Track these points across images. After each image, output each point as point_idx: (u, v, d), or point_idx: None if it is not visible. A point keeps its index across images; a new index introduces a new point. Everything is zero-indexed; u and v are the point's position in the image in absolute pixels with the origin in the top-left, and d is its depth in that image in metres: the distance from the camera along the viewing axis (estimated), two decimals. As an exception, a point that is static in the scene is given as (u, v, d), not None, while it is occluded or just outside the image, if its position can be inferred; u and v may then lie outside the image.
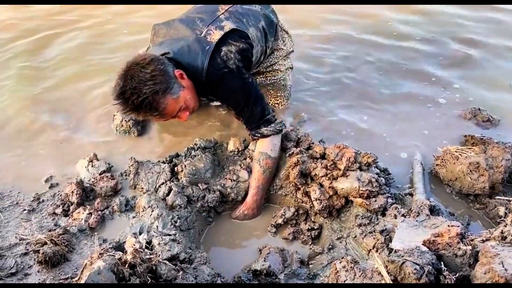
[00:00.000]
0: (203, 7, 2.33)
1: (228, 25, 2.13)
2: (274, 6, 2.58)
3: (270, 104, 2.65)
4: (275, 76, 2.67)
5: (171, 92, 1.93)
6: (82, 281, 1.33)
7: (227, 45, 2.08)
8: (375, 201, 1.88)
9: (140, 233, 1.81)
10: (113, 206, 2.07)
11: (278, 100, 2.72)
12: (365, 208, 1.89)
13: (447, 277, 1.28)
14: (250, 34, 2.21)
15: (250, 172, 2.16)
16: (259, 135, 2.18)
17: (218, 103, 2.74)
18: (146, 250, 1.58)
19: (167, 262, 1.52)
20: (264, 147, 2.15)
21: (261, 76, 2.66)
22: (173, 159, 2.26)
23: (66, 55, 3.65)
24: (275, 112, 2.31)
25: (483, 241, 1.45)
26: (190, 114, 2.14)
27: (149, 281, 1.42)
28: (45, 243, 1.77)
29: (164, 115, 1.99)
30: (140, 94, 1.84)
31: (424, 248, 1.42)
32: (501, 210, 1.89)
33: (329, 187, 1.97)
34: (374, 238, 1.73)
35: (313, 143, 2.20)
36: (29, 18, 4.36)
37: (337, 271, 1.44)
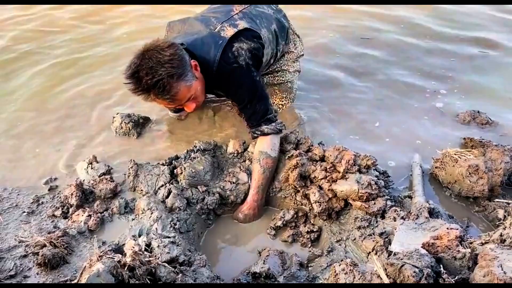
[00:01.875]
0: (218, 7, 2.38)
1: (242, 24, 2.18)
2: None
3: (274, 104, 2.67)
4: (283, 77, 2.69)
5: (185, 78, 1.94)
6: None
7: (239, 42, 2.12)
8: (374, 203, 1.88)
9: (140, 236, 1.81)
10: (112, 208, 2.06)
11: (283, 101, 2.73)
12: (364, 211, 1.89)
13: (446, 280, 1.28)
14: (262, 35, 2.25)
15: (249, 174, 2.17)
16: (259, 132, 2.19)
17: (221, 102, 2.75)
18: (145, 252, 1.58)
19: (167, 265, 1.52)
20: (264, 146, 2.15)
21: (269, 76, 2.68)
22: (173, 161, 2.26)
23: (64, 56, 3.66)
24: (277, 113, 2.32)
25: (482, 244, 1.45)
26: (196, 107, 2.15)
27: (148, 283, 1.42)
28: (45, 245, 1.77)
29: (174, 101, 1.99)
30: (155, 75, 1.83)
31: (423, 251, 1.42)
32: (500, 213, 1.89)
33: (329, 190, 1.97)
34: (373, 241, 1.73)
35: (312, 146, 2.20)
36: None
37: (337, 274, 1.44)
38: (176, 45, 1.96)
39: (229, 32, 2.13)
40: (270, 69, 2.63)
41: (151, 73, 1.83)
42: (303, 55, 2.77)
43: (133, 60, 1.89)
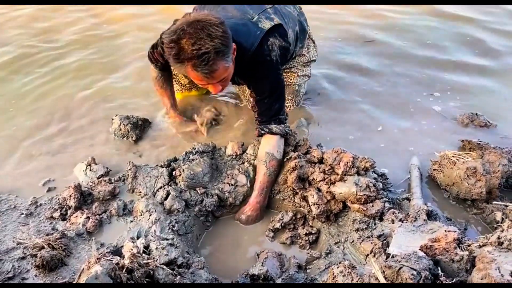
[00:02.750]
0: (243, 3, 2.30)
1: (276, 19, 2.19)
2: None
3: None
4: (290, 79, 2.70)
5: (227, 59, 1.91)
6: (80, 286, 1.33)
7: (274, 37, 2.14)
8: (372, 206, 1.88)
9: (138, 238, 1.81)
10: (111, 210, 2.06)
11: (287, 103, 2.72)
12: (362, 213, 1.89)
13: (444, 282, 1.28)
14: (289, 35, 2.27)
15: (248, 176, 2.17)
16: (267, 130, 2.19)
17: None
18: (143, 254, 1.58)
19: (165, 267, 1.52)
20: (271, 147, 2.15)
21: None
22: (171, 163, 2.26)
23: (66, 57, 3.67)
24: (288, 117, 2.33)
25: (480, 246, 1.45)
26: (221, 90, 2.13)
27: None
28: (43, 247, 1.77)
29: (210, 77, 1.92)
30: (203, 47, 1.77)
31: (421, 253, 1.43)
32: (498, 215, 1.89)
33: (327, 192, 1.98)
34: (371, 243, 1.73)
35: (311, 148, 2.20)
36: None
37: (335, 276, 1.44)
38: (226, 24, 1.90)
39: (266, 24, 2.13)
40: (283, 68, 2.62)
41: (199, 43, 1.77)
42: (315, 60, 2.78)
43: (180, 25, 1.80)
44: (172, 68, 2.41)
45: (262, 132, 2.21)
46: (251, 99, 2.27)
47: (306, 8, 2.66)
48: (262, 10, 2.21)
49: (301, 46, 2.57)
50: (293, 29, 2.34)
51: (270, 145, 2.16)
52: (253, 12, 2.18)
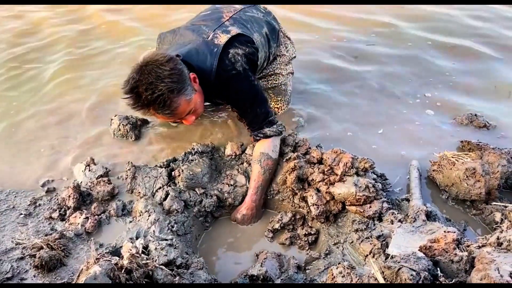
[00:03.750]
0: (207, 15, 2.37)
1: (234, 30, 2.18)
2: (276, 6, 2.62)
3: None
4: (276, 81, 2.69)
5: (185, 93, 1.92)
6: (78, 286, 1.33)
7: (234, 47, 2.11)
8: (370, 207, 1.88)
9: (137, 238, 1.81)
10: (110, 211, 2.06)
11: (278, 104, 2.73)
12: (360, 215, 1.90)
13: (443, 283, 1.28)
14: (255, 39, 2.25)
15: (247, 177, 2.17)
16: (262, 135, 2.19)
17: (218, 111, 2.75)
18: (142, 255, 1.58)
19: (164, 267, 1.52)
20: (266, 148, 2.15)
21: (263, 80, 2.68)
22: (170, 163, 2.26)
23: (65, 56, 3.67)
24: (276, 115, 2.32)
25: (479, 247, 1.45)
26: (195, 119, 2.14)
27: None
28: (42, 248, 1.76)
29: (174, 115, 1.97)
30: (156, 90, 1.81)
31: (421, 254, 1.43)
32: (497, 216, 1.90)
33: (326, 192, 1.98)
34: (370, 244, 1.73)
35: (310, 148, 2.20)
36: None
37: (334, 277, 1.44)
38: (175, 58, 1.93)
39: (222, 39, 2.11)
40: (263, 73, 2.63)
41: (151, 88, 1.81)
42: (295, 57, 2.77)
43: (131, 75, 1.86)
44: None
45: (258, 138, 2.22)
46: (236, 114, 2.28)
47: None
48: (219, 25, 2.21)
49: (277, 45, 2.56)
50: (259, 32, 2.34)
51: (265, 145, 2.17)
52: (208, 30, 2.18)
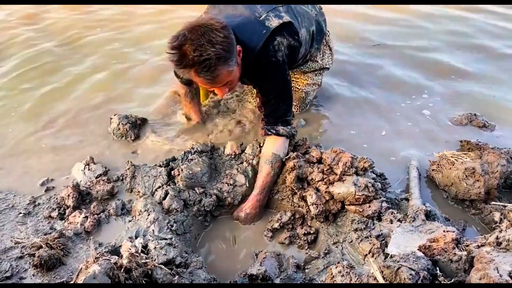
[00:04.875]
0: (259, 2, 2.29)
1: (286, 17, 2.13)
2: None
3: None
4: (298, 85, 2.69)
5: (230, 63, 1.89)
6: (78, 285, 1.33)
7: (281, 36, 2.09)
8: (369, 207, 1.88)
9: (136, 237, 1.81)
10: (109, 210, 2.06)
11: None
12: (360, 215, 1.90)
13: (442, 282, 1.28)
14: (301, 34, 2.22)
15: (247, 176, 2.16)
16: (273, 131, 2.18)
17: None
18: (142, 254, 1.58)
19: (163, 267, 1.52)
20: (278, 149, 2.15)
21: None
22: (170, 162, 2.26)
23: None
24: (294, 118, 2.29)
25: (478, 246, 1.45)
26: (228, 91, 2.14)
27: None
28: (41, 247, 1.76)
29: (213, 82, 1.93)
30: (204, 53, 1.76)
31: (420, 254, 1.43)
32: (497, 216, 1.90)
33: (326, 192, 1.98)
34: (370, 243, 1.73)
35: (310, 148, 2.20)
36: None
37: (333, 276, 1.44)
38: (229, 27, 1.89)
39: (274, 22, 2.07)
40: (291, 71, 2.59)
41: (200, 50, 1.76)
42: (328, 68, 2.73)
43: (182, 31, 1.80)
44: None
45: (269, 133, 2.20)
46: (258, 100, 2.25)
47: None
48: (273, 8, 2.15)
49: (317, 47, 2.51)
50: (307, 28, 2.29)
51: (277, 145, 2.16)
52: (262, 10, 2.13)
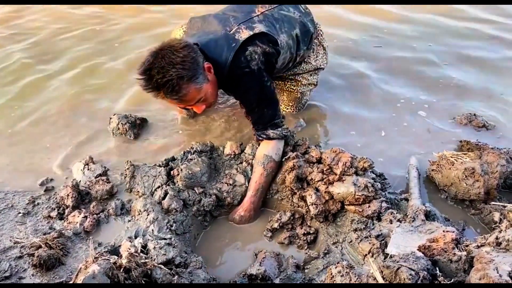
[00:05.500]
0: (241, 6, 2.34)
1: (259, 28, 2.14)
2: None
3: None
4: (294, 86, 2.68)
5: (196, 81, 1.94)
6: (77, 285, 1.33)
7: (254, 45, 2.10)
8: (369, 207, 1.88)
9: (136, 237, 1.81)
10: (108, 210, 2.06)
11: (288, 108, 2.75)
12: (359, 215, 1.90)
13: (442, 282, 1.28)
14: (280, 41, 2.21)
15: (246, 176, 2.16)
16: (264, 136, 2.19)
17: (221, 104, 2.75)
18: (141, 254, 1.58)
19: (162, 266, 1.52)
20: (269, 150, 2.15)
21: (280, 82, 2.67)
22: (169, 162, 2.26)
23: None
24: (285, 119, 2.30)
25: (478, 246, 1.45)
26: (206, 108, 2.18)
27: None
28: (40, 247, 1.76)
29: (182, 102, 2.00)
30: (166, 74, 1.84)
31: (419, 254, 1.43)
32: (496, 216, 1.90)
33: (325, 192, 1.98)
34: (369, 243, 1.73)
35: (309, 148, 2.20)
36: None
37: (333, 276, 1.44)
38: (191, 46, 1.95)
39: (243, 34, 2.09)
40: (284, 74, 2.59)
41: (162, 72, 1.84)
42: (323, 68, 2.72)
43: (147, 57, 1.90)
44: None
45: (260, 139, 2.21)
46: (243, 109, 2.27)
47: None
48: (247, 19, 2.18)
49: (307, 48, 2.47)
50: (288, 33, 2.27)
51: (269, 148, 2.16)
52: (234, 23, 2.16)
